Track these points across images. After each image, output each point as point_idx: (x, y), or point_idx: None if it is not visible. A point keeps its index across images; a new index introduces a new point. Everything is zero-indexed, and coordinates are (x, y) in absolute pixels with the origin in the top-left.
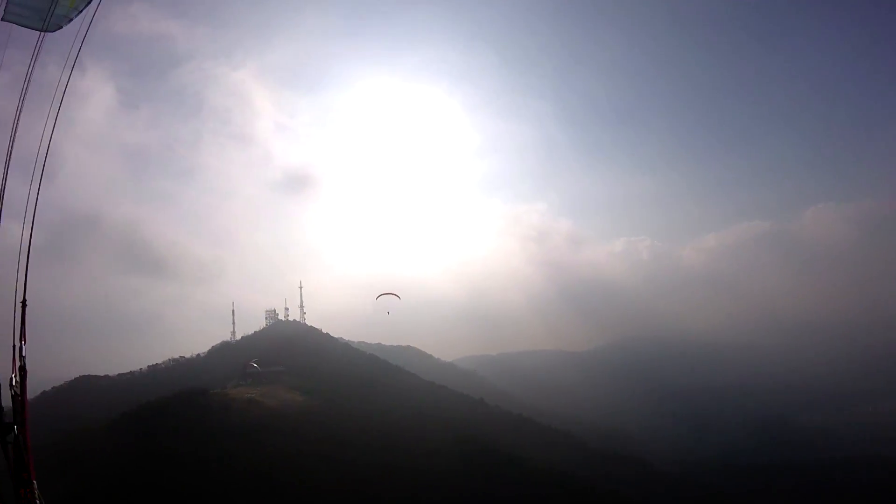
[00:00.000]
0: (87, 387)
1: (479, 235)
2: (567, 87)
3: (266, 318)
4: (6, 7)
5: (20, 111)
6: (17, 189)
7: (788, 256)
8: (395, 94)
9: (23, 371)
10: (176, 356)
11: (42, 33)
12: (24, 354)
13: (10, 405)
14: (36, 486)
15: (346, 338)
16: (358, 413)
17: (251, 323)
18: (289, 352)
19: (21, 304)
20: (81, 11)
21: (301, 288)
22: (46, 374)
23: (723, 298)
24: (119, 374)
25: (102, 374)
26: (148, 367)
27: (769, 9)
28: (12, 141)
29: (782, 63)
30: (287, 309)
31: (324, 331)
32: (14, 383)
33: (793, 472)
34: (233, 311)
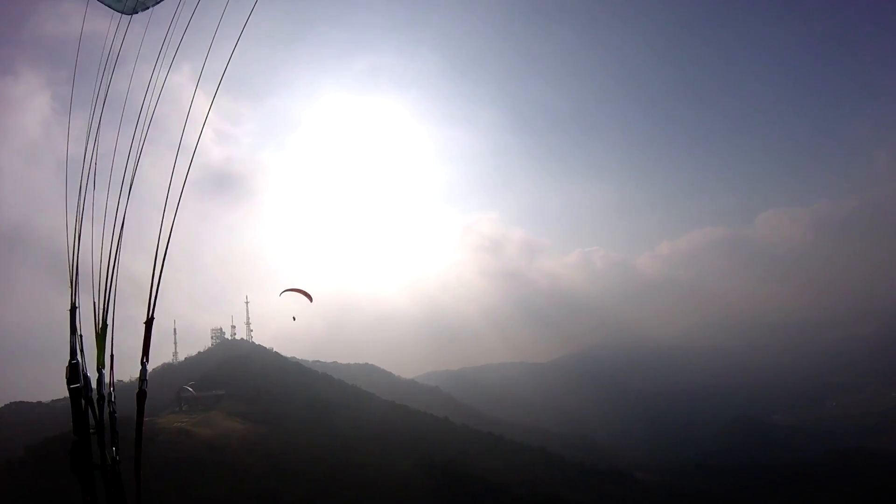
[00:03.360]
0: (18, 414)
1: (434, 247)
2: (517, 92)
3: (212, 338)
4: None
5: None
6: None
7: (744, 260)
8: (342, 101)
9: (142, 395)
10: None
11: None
12: (145, 377)
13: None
14: None
15: (299, 357)
16: (309, 441)
17: (197, 343)
18: (233, 373)
19: (146, 322)
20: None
21: (248, 304)
22: None
23: (682, 304)
24: (53, 400)
25: (35, 400)
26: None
27: (723, 15)
28: None
29: (732, 69)
30: (234, 327)
31: (272, 349)
32: (113, 404)
33: (767, 471)
34: (174, 329)
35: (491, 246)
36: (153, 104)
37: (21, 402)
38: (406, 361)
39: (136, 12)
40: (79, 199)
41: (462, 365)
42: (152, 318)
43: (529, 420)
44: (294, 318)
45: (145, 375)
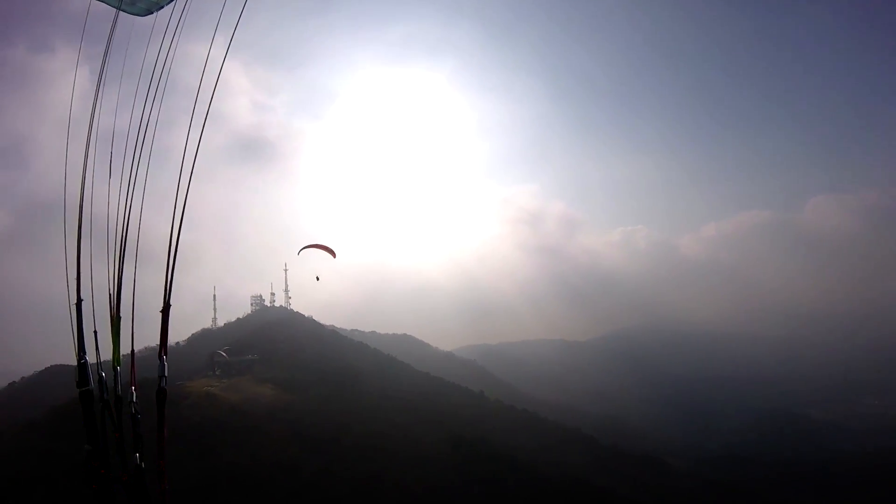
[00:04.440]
0: (58, 376)
1: (472, 220)
2: (555, 61)
3: (252, 304)
4: None
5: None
6: None
7: (790, 247)
8: (377, 72)
9: (162, 394)
10: (153, 344)
11: (117, 13)
12: (164, 374)
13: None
14: None
15: (338, 325)
16: (337, 409)
17: (237, 310)
18: (268, 339)
19: (162, 311)
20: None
21: (286, 271)
22: (18, 365)
23: (723, 289)
24: (93, 364)
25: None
26: (123, 355)
27: None
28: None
29: (789, 49)
30: (273, 294)
31: (310, 317)
32: (135, 405)
33: (800, 467)
34: (214, 296)
35: (530, 219)
36: (160, 71)
37: (61, 364)
38: (444, 334)
39: (151, 12)
40: (81, 186)
41: (500, 340)
42: (169, 305)
43: (565, 399)
44: (318, 278)
45: (164, 371)
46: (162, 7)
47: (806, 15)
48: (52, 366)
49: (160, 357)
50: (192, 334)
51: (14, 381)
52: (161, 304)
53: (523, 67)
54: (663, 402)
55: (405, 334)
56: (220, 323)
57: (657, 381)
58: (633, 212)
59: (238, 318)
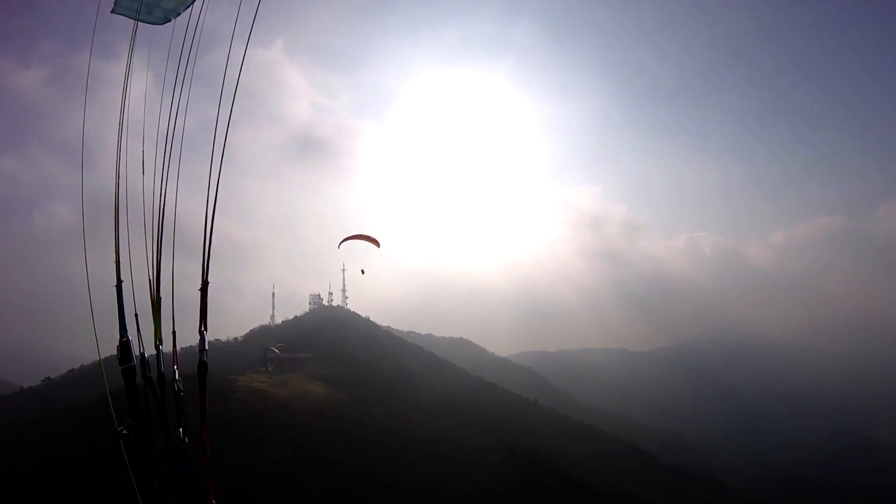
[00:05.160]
0: (114, 366)
1: (531, 222)
2: (618, 60)
3: (310, 303)
4: (115, 0)
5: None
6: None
7: (861, 256)
8: (438, 72)
9: (203, 367)
10: (211, 339)
11: (135, 23)
12: (205, 347)
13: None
14: None
15: (395, 327)
16: (386, 411)
17: (297, 308)
18: (323, 338)
19: (201, 289)
20: (189, 6)
21: (344, 271)
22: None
23: (791, 300)
24: (150, 356)
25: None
26: (181, 348)
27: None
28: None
29: (859, 50)
30: (331, 293)
31: (367, 317)
32: (177, 382)
33: (868, 495)
34: (273, 293)
35: (591, 222)
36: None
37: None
38: (501, 339)
39: (168, 20)
40: (116, 178)
41: (560, 346)
42: (207, 282)
43: (623, 410)
44: (363, 272)
45: (205, 345)
46: (179, 14)
47: (878, 15)
48: (111, 356)
49: (200, 332)
50: (251, 330)
51: (73, 369)
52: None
53: (584, 66)
54: (725, 418)
55: (461, 338)
56: (279, 320)
57: (718, 395)
58: (698, 217)
59: (296, 316)
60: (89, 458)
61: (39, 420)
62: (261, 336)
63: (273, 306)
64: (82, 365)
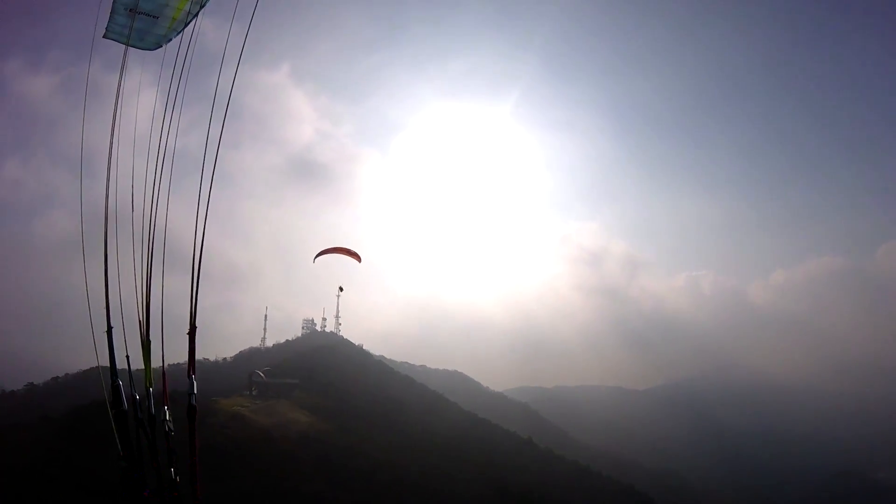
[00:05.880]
0: (98, 378)
1: (530, 257)
2: (617, 93)
3: (303, 328)
4: (107, 25)
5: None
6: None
7: (863, 296)
8: (441, 104)
9: (192, 411)
10: (200, 358)
11: (126, 49)
12: (194, 391)
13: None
14: None
15: (389, 356)
16: (373, 445)
17: (290, 332)
18: (312, 364)
19: (189, 333)
20: (180, 32)
21: (339, 296)
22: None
23: (792, 340)
24: (137, 370)
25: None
26: (169, 365)
27: (847, 21)
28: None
29: (863, 89)
30: (325, 319)
31: (360, 345)
32: (168, 426)
33: None
34: (265, 316)
35: (590, 259)
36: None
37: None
38: (496, 373)
39: (160, 45)
40: (105, 221)
41: (556, 383)
42: (195, 327)
43: (620, 450)
44: (341, 289)
45: (194, 389)
46: (171, 40)
47: (886, 51)
48: (97, 367)
49: (189, 376)
50: (240, 352)
51: (57, 377)
52: (188, 327)
53: (588, 102)
54: (723, 459)
55: (456, 371)
56: (269, 343)
57: (716, 435)
58: (699, 255)
59: (287, 340)
60: (53, 473)
61: (10, 427)
62: (250, 358)
63: (265, 329)
64: (66, 374)
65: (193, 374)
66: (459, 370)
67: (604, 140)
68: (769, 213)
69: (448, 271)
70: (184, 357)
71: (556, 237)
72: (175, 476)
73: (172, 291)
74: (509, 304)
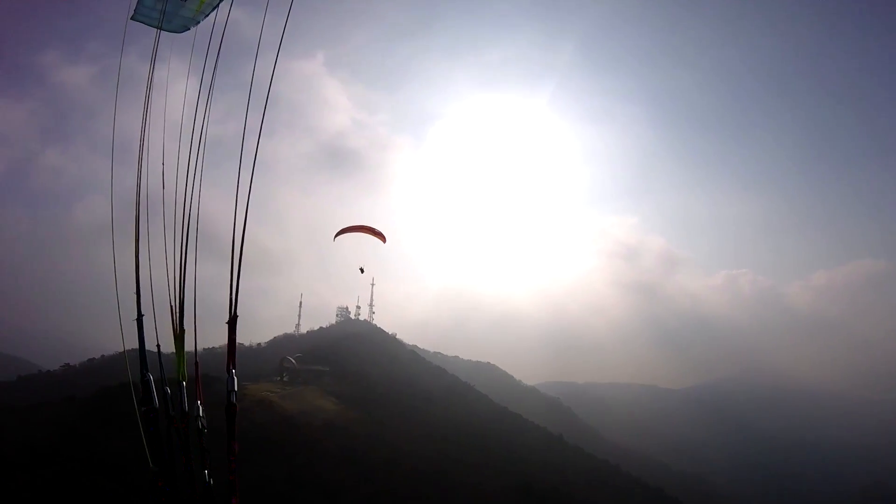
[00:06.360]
0: (120, 361)
1: (566, 250)
2: (663, 90)
3: (337, 315)
4: (136, 7)
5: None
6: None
7: None
8: (478, 95)
9: (231, 409)
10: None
11: (158, 32)
12: (234, 388)
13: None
14: None
15: (422, 346)
16: (399, 436)
17: (324, 319)
18: (345, 352)
19: (229, 323)
20: (207, 15)
21: (373, 285)
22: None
23: (832, 344)
24: (171, 353)
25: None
26: (204, 349)
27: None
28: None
29: None
30: (359, 307)
31: (393, 334)
32: (202, 423)
33: None
34: (300, 303)
35: (627, 254)
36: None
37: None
38: (528, 366)
39: (188, 28)
40: (137, 208)
41: (586, 379)
42: (236, 316)
43: (650, 450)
44: (362, 270)
45: (234, 386)
46: (199, 23)
47: None
48: (132, 349)
49: (228, 370)
50: (275, 337)
51: (94, 357)
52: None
53: (626, 93)
54: (756, 465)
55: (488, 363)
56: (304, 330)
57: (747, 440)
58: (738, 253)
59: (321, 327)
60: (71, 452)
61: (36, 406)
62: (284, 344)
63: (299, 315)
64: (103, 355)
65: (234, 368)
66: (492, 362)
67: (642, 133)
68: (811, 212)
69: (481, 262)
70: (215, 343)
71: (593, 231)
72: (209, 480)
73: (204, 277)
74: (542, 296)
